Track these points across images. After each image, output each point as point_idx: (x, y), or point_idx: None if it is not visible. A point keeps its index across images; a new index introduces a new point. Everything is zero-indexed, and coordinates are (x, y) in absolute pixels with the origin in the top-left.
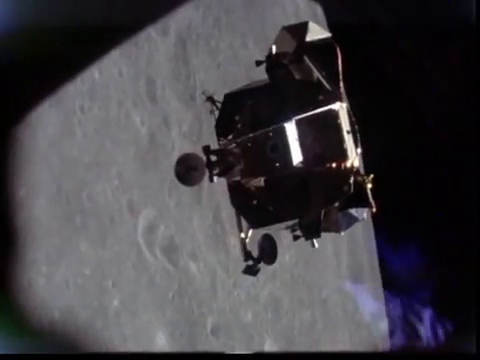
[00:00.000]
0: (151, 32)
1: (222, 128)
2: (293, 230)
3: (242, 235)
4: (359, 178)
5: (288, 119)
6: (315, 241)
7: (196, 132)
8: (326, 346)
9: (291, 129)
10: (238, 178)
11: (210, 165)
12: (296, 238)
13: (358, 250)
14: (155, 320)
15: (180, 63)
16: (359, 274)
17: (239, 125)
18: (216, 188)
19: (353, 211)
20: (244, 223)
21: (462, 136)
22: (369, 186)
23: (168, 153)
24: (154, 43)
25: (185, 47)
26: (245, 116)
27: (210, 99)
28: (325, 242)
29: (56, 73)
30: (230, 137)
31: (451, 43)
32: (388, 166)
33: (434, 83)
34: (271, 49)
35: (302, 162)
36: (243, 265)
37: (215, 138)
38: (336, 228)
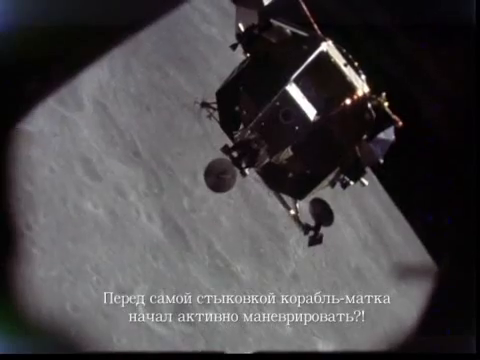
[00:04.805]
0: (64, 113)
1: (229, 124)
2: (333, 184)
3: (292, 212)
4: (374, 102)
5: (286, 82)
6: (364, 179)
7: (155, 184)
8: (377, 314)
9: (293, 90)
10: (267, 160)
11: (236, 161)
12: (345, 186)
13: (366, 201)
14: None
15: (108, 127)
16: (380, 225)
17: (244, 113)
18: (198, 226)
19: (381, 135)
20: (288, 199)
21: (462, 136)
22: (386, 104)
23: (135, 220)
24: (72, 122)
25: (106, 109)
26: (245, 102)
27: (204, 104)
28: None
29: None
30: (241, 127)
31: (451, 43)
32: (388, 165)
33: (434, 83)
34: (238, 28)
35: (317, 114)
36: (258, 285)
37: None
38: (373, 158)
